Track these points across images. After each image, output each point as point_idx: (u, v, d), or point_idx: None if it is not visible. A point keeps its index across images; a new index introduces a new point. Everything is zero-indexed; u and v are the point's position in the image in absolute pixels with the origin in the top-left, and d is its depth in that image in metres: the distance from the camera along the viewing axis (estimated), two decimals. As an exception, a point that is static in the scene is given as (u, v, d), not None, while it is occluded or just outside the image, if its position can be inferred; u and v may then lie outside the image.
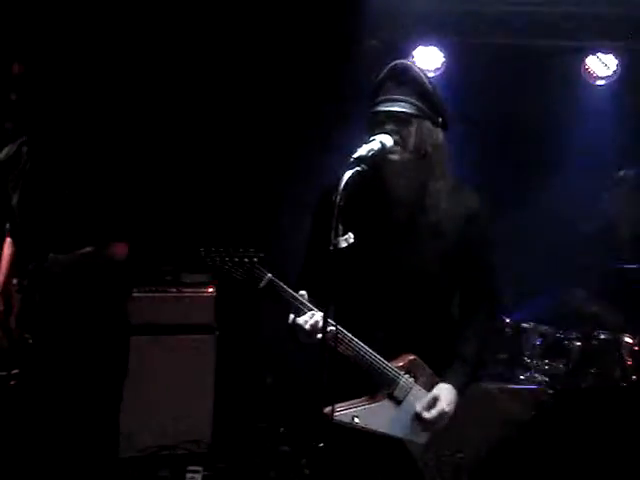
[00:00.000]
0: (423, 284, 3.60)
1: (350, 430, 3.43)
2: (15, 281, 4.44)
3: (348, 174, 3.27)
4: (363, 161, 3.34)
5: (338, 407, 3.34)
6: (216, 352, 6.67)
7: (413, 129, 3.53)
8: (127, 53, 6.69)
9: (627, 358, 5.74)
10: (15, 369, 4.35)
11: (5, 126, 4.48)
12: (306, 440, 6.31)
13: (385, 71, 3.60)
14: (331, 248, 3.21)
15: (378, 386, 3.53)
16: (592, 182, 6.56)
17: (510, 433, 3.71)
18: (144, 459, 6.30)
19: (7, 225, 4.63)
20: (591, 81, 7.44)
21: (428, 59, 7.22)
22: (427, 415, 3.51)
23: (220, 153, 7.15)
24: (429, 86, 3.58)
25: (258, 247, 3.43)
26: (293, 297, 3.45)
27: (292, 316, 3.49)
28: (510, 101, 7.09)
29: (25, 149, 4.50)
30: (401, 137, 3.51)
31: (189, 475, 6.27)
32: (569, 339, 6.01)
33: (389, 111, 3.51)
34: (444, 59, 7.25)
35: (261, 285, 3.42)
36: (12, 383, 4.34)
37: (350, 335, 3.46)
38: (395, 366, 3.55)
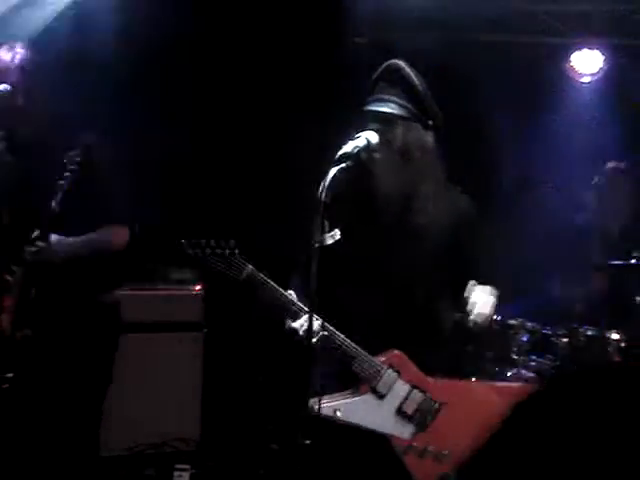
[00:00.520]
0: (408, 283, 3.64)
1: (333, 424, 3.47)
2: (17, 268, 4.40)
3: (334, 171, 3.32)
4: (348, 158, 3.39)
5: (322, 400, 3.38)
6: (204, 350, 6.62)
7: (400, 130, 3.57)
8: (130, 51, 6.62)
9: (614, 354, 5.71)
10: (7, 372, 4.31)
11: None
12: (293, 438, 6.28)
13: (380, 70, 3.65)
14: (316, 245, 3.27)
15: (361, 380, 3.55)
16: (578, 177, 6.57)
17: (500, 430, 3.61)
18: (131, 458, 6.23)
19: None
20: (576, 78, 7.45)
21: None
22: (478, 321, 3.53)
23: (211, 149, 7.15)
24: (420, 88, 3.60)
25: (246, 243, 3.51)
26: (274, 289, 3.49)
27: (289, 322, 3.51)
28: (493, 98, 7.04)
29: (3, 144, 4.49)
30: (387, 137, 3.54)
31: (177, 473, 6.21)
32: (556, 335, 5.95)
33: (377, 111, 3.55)
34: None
35: (242, 277, 3.47)
36: (4, 386, 4.30)
37: (332, 328, 3.49)
38: (379, 361, 3.56)
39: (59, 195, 4.22)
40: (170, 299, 6.69)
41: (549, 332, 5.99)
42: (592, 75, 7.39)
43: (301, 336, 3.42)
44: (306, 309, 3.39)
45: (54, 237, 4.26)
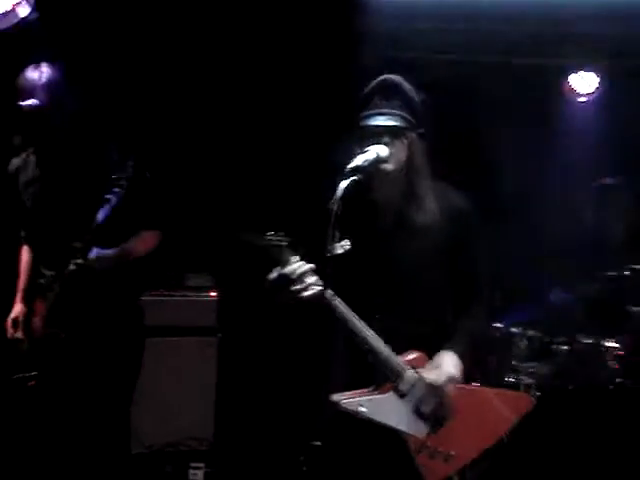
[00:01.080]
0: (419, 285, 3.60)
1: (352, 420, 3.44)
2: (49, 274, 4.42)
3: (345, 184, 3.34)
4: (359, 171, 3.40)
5: (345, 396, 3.42)
6: (218, 354, 6.63)
7: (406, 141, 3.57)
8: (136, 59, 6.66)
9: (611, 362, 5.69)
10: (34, 372, 4.35)
11: (13, 141, 4.54)
12: (304, 439, 6.27)
13: (374, 85, 3.62)
14: (327, 254, 3.27)
15: (384, 378, 3.51)
16: (574, 193, 6.58)
17: (503, 434, 3.65)
18: (150, 455, 6.28)
19: (22, 232, 4.66)
20: (573, 98, 7.49)
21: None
22: (437, 382, 3.50)
23: (229, 166, 7.11)
24: (416, 100, 3.62)
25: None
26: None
27: (275, 273, 3.46)
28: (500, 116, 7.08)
29: (33, 158, 4.50)
30: (394, 149, 3.53)
31: (192, 471, 6.28)
32: (555, 343, 5.94)
33: (384, 125, 3.52)
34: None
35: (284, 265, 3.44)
36: (31, 384, 4.34)
37: (362, 325, 3.47)
38: (402, 360, 3.54)
39: (107, 208, 4.23)
40: (186, 305, 6.70)
41: (548, 340, 5.96)
42: (588, 95, 7.44)
43: (297, 285, 3.40)
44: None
45: (94, 251, 4.27)
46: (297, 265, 3.42)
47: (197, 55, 6.81)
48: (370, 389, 3.50)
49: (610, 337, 5.74)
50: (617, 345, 5.69)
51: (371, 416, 3.44)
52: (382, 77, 3.63)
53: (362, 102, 3.61)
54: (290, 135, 7.04)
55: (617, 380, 5.60)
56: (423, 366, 3.57)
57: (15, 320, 4.53)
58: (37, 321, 4.42)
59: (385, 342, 3.52)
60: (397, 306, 3.59)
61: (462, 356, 3.59)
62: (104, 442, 4.38)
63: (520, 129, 7.07)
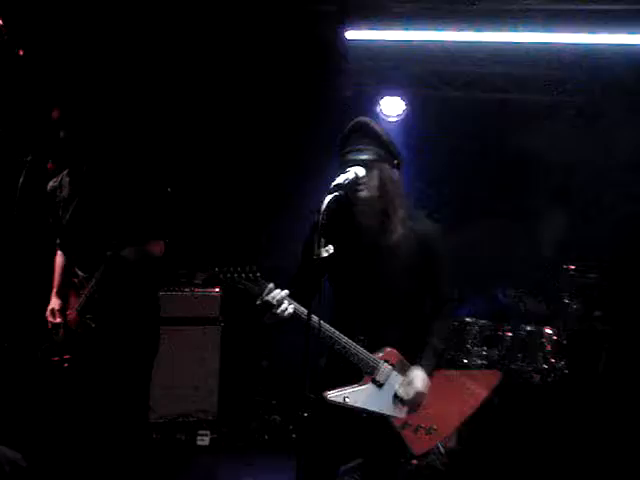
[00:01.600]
0: (394, 292, 3.61)
1: (341, 408, 3.47)
2: (82, 274, 4.43)
3: (328, 198, 3.34)
4: (341, 188, 3.40)
5: (331, 391, 3.45)
6: (221, 340, 6.66)
7: (377, 171, 3.55)
8: (152, 79, 6.58)
9: (547, 345, 5.82)
10: (68, 355, 4.37)
11: (48, 167, 4.45)
12: (294, 411, 6.33)
13: (350, 125, 3.60)
14: (314, 257, 3.29)
15: (362, 373, 3.54)
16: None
17: (473, 408, 3.73)
18: (163, 425, 6.32)
19: (57, 240, 4.63)
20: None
21: (392, 106, 7.19)
22: (406, 396, 3.53)
23: (229, 186, 7.14)
24: (386, 137, 3.60)
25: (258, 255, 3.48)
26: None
27: (258, 301, 3.45)
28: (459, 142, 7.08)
29: (67, 180, 4.50)
30: (367, 178, 3.53)
31: (199, 437, 6.32)
32: (502, 330, 6.06)
33: (357, 159, 3.52)
34: (405, 107, 7.21)
35: (263, 294, 3.43)
36: (65, 365, 4.37)
37: (337, 331, 3.50)
38: (376, 357, 3.56)
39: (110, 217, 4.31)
40: (194, 299, 6.70)
41: (496, 328, 6.08)
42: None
43: (274, 309, 3.40)
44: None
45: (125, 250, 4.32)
46: (275, 293, 3.42)
47: (196, 87, 6.78)
48: (352, 384, 3.51)
49: (547, 325, 5.89)
50: (552, 331, 5.84)
51: (355, 405, 3.48)
52: (356, 119, 3.60)
53: (341, 140, 3.60)
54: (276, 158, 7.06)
55: (551, 360, 5.76)
56: (395, 360, 3.58)
57: (52, 312, 4.51)
58: (71, 313, 4.42)
59: (363, 339, 3.54)
60: (373, 310, 3.59)
61: (431, 372, 3.59)
62: (127, 413, 4.37)
63: (477, 152, 7.07)
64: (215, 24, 6.15)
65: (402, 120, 7.13)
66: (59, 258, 4.67)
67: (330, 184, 3.41)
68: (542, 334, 5.86)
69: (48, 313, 4.54)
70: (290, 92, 6.86)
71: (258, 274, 3.43)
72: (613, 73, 6.46)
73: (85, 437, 4.35)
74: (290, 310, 3.43)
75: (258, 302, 3.45)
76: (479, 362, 6.02)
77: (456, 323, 6.14)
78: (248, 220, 7.06)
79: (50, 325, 4.51)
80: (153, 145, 6.40)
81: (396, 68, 7.02)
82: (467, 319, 6.16)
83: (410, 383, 3.55)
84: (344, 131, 3.61)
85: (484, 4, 5.67)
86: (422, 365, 3.58)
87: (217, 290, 6.79)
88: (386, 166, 3.58)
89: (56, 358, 4.38)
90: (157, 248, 4.48)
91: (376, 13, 5.98)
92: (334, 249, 3.42)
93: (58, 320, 4.49)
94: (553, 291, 6.04)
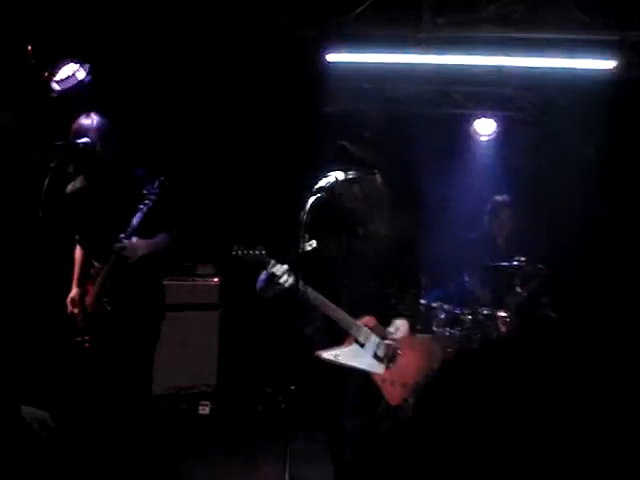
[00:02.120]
0: (371, 274, 3.70)
1: (331, 365, 3.60)
2: (98, 265, 4.44)
3: (312, 199, 3.40)
4: (323, 190, 3.46)
5: (324, 351, 3.60)
6: (220, 323, 6.71)
7: (358, 184, 3.62)
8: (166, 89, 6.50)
9: (501, 326, 5.86)
10: (87, 336, 4.39)
11: (68, 170, 4.45)
12: (284, 384, 6.32)
13: (333, 150, 3.68)
14: (299, 251, 3.38)
15: (348, 335, 3.64)
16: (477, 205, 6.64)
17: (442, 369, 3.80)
18: (169, 396, 6.34)
19: (76, 236, 4.64)
20: (478, 137, 7.52)
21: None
22: (395, 336, 3.69)
23: (228, 178, 7.12)
24: (371, 148, 3.69)
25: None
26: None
27: (264, 273, 3.57)
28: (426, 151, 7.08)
29: (85, 182, 4.50)
30: (355, 183, 3.60)
31: (200, 407, 6.32)
32: (463, 314, 6.07)
33: (347, 164, 3.58)
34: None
35: (269, 268, 3.53)
36: (86, 345, 4.40)
37: (327, 300, 3.60)
38: (359, 322, 3.68)
39: (140, 214, 4.30)
40: (196, 287, 6.75)
41: (458, 312, 6.09)
42: (488, 136, 7.48)
43: (278, 277, 3.49)
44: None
45: (134, 239, 4.32)
46: (278, 266, 3.51)
47: (197, 104, 6.75)
48: (340, 344, 3.62)
49: (501, 308, 5.93)
50: (505, 314, 5.88)
51: (344, 362, 3.60)
52: (336, 144, 3.68)
53: (336, 150, 3.65)
54: (270, 165, 7.05)
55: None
56: (373, 325, 3.69)
57: (73, 299, 4.52)
58: (89, 299, 4.44)
59: (348, 309, 3.63)
60: (357, 284, 3.67)
61: (411, 321, 3.78)
62: (135, 385, 4.41)
63: (440, 160, 7.13)
64: (209, 49, 6.16)
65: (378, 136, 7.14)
66: (78, 252, 4.67)
67: (313, 187, 3.46)
68: (496, 317, 5.90)
69: (69, 301, 4.55)
70: (274, 107, 6.87)
71: (264, 251, 3.51)
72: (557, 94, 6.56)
73: (103, 403, 4.36)
74: (291, 281, 3.49)
75: (262, 277, 3.56)
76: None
77: (422, 308, 6.03)
78: (245, 218, 7.02)
79: (70, 312, 4.52)
80: (158, 150, 6.30)
81: (371, 87, 7.06)
82: (433, 304, 6.17)
83: (397, 328, 3.71)
84: (337, 143, 3.68)
85: (446, 32, 5.72)
86: (404, 316, 3.76)
87: (216, 280, 6.80)
88: (370, 177, 3.64)
89: (78, 339, 4.40)
90: (163, 241, 4.48)
91: (354, 38, 6.01)
92: (317, 243, 3.51)
93: (77, 308, 4.50)
94: (506, 278, 6.04)
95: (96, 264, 4.48)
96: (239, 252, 3.50)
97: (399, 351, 3.73)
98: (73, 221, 4.54)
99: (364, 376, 3.70)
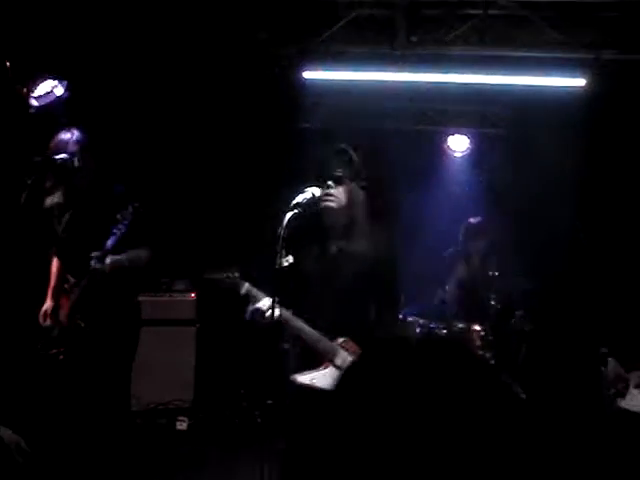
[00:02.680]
0: (347, 292, 3.63)
1: (308, 388, 3.52)
2: (72, 280, 4.45)
3: (289, 215, 3.38)
4: (299, 206, 3.44)
5: (300, 375, 3.53)
6: (196, 339, 6.71)
7: (347, 187, 3.60)
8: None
9: (476, 339, 5.91)
10: (62, 348, 4.38)
11: (46, 185, 4.47)
12: (260, 398, 6.35)
13: (333, 150, 3.67)
14: (276, 267, 3.34)
15: (324, 358, 3.56)
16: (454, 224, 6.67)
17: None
18: (147, 412, 6.33)
19: (53, 249, 4.65)
20: (452, 153, 7.57)
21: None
22: None
23: (206, 205, 7.14)
24: (357, 161, 3.64)
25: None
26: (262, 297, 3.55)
27: (250, 307, 3.53)
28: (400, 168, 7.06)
29: (62, 197, 4.52)
30: (336, 191, 3.57)
31: (178, 422, 6.35)
32: (438, 328, 6.10)
33: (333, 175, 3.58)
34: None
35: (242, 292, 3.54)
36: (61, 357, 4.39)
37: (302, 322, 3.54)
38: (334, 344, 3.59)
39: (114, 238, 4.31)
40: (173, 303, 6.76)
41: (434, 326, 6.09)
42: (462, 152, 7.53)
43: (263, 312, 3.46)
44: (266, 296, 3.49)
45: (108, 259, 4.34)
46: (264, 301, 3.48)
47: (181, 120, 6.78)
48: (316, 368, 3.54)
49: (475, 323, 5.96)
50: (480, 328, 5.91)
51: (319, 385, 3.49)
52: (337, 145, 3.65)
53: (322, 160, 3.66)
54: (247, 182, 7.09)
55: (479, 352, 5.80)
56: (350, 347, 3.58)
57: (46, 312, 4.50)
58: (63, 314, 4.43)
59: (324, 331, 3.55)
60: (334, 301, 3.60)
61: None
62: (112, 402, 4.39)
63: (415, 176, 7.19)
64: (187, 65, 6.21)
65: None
66: (54, 265, 4.66)
67: (290, 203, 3.44)
68: (471, 330, 5.94)
69: (42, 313, 4.53)
70: (251, 123, 6.91)
71: (237, 274, 3.50)
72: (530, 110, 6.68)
73: (77, 420, 4.32)
74: (277, 313, 3.44)
75: (250, 312, 3.52)
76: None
77: (399, 322, 6.07)
78: (222, 234, 7.06)
79: (42, 324, 4.51)
80: (136, 165, 6.32)
81: (346, 103, 7.12)
82: (409, 319, 6.18)
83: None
84: (322, 152, 3.71)
85: (420, 49, 5.82)
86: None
87: (193, 295, 6.81)
88: (355, 186, 3.62)
89: (53, 351, 4.38)
90: (140, 258, 4.50)
91: (330, 56, 6.09)
92: (294, 258, 3.44)
93: (48, 321, 4.49)
94: (481, 294, 6.10)
95: (70, 279, 4.50)
96: (212, 276, 3.52)
97: None
98: (50, 235, 4.55)
99: None
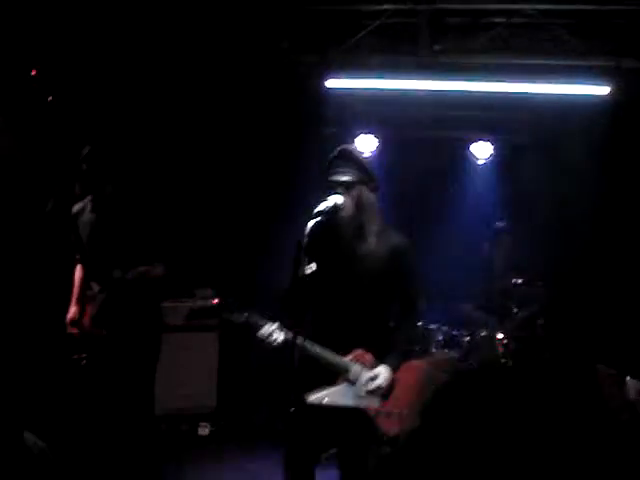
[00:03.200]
0: (366, 298, 3.60)
1: (321, 407, 3.49)
2: (97, 289, 4.50)
3: (311, 223, 3.39)
4: (322, 214, 3.46)
5: (312, 394, 3.46)
6: (219, 345, 6.71)
7: (355, 192, 3.57)
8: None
9: (499, 348, 5.90)
10: (84, 354, 4.45)
11: (75, 191, 4.56)
12: (280, 406, 6.32)
13: (335, 152, 3.63)
14: (299, 275, 3.34)
15: (337, 374, 3.54)
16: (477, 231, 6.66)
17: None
18: (171, 417, 6.33)
19: (77, 256, 4.70)
20: (475, 160, 7.53)
21: (366, 143, 7.28)
22: (368, 387, 3.54)
23: (222, 218, 7.13)
24: (365, 162, 3.65)
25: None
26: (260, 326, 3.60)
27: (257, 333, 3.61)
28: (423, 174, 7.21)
29: (89, 204, 4.58)
30: (348, 197, 3.55)
31: (200, 428, 6.38)
32: (461, 335, 6.12)
33: (339, 180, 3.57)
34: (378, 144, 7.30)
35: (240, 321, 3.66)
36: (83, 363, 4.46)
37: (310, 342, 3.51)
38: (347, 359, 3.56)
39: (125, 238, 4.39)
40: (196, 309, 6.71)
41: (456, 333, 6.14)
42: (485, 159, 7.46)
43: (267, 340, 3.54)
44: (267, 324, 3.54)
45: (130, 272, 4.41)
46: (266, 327, 3.53)
47: (177, 124, 6.73)
48: (331, 385, 3.50)
49: (499, 330, 5.96)
50: (502, 336, 5.91)
51: (332, 403, 3.47)
52: (341, 146, 3.63)
53: (328, 164, 3.62)
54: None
55: (502, 360, 5.83)
56: (365, 360, 3.57)
57: (72, 319, 4.57)
58: (87, 321, 4.49)
59: (338, 341, 3.53)
60: (352, 314, 3.56)
61: (395, 368, 3.59)
62: (136, 407, 4.44)
63: (439, 184, 7.28)
64: (209, 73, 6.23)
65: (374, 155, 7.25)
66: (78, 272, 4.72)
67: (313, 211, 3.45)
68: (494, 338, 5.94)
69: (68, 321, 4.60)
70: (274, 131, 6.92)
71: (246, 314, 3.62)
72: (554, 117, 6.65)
73: (101, 426, 4.39)
74: (281, 337, 3.49)
75: (241, 321, 3.64)
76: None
77: (421, 329, 6.12)
78: (242, 244, 7.07)
79: (69, 331, 4.59)
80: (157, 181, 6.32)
81: (369, 110, 7.13)
82: (431, 326, 6.21)
83: (373, 379, 3.56)
84: (330, 156, 3.65)
85: (443, 58, 5.83)
86: (387, 363, 3.60)
87: (215, 301, 6.74)
88: (364, 188, 3.60)
89: (75, 356, 4.46)
90: (157, 270, 4.54)
91: (352, 64, 6.11)
92: (316, 266, 3.48)
93: (74, 329, 4.56)
94: (503, 301, 6.08)
95: (94, 286, 4.54)
96: (228, 317, 3.68)
97: (392, 382, 3.59)
98: (75, 240, 4.61)
99: (356, 410, 3.57)
